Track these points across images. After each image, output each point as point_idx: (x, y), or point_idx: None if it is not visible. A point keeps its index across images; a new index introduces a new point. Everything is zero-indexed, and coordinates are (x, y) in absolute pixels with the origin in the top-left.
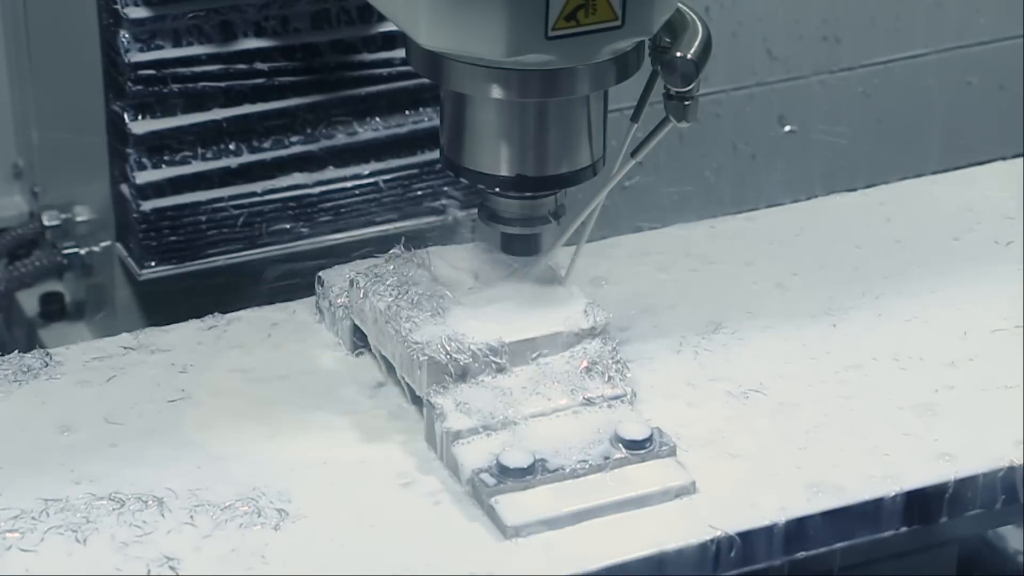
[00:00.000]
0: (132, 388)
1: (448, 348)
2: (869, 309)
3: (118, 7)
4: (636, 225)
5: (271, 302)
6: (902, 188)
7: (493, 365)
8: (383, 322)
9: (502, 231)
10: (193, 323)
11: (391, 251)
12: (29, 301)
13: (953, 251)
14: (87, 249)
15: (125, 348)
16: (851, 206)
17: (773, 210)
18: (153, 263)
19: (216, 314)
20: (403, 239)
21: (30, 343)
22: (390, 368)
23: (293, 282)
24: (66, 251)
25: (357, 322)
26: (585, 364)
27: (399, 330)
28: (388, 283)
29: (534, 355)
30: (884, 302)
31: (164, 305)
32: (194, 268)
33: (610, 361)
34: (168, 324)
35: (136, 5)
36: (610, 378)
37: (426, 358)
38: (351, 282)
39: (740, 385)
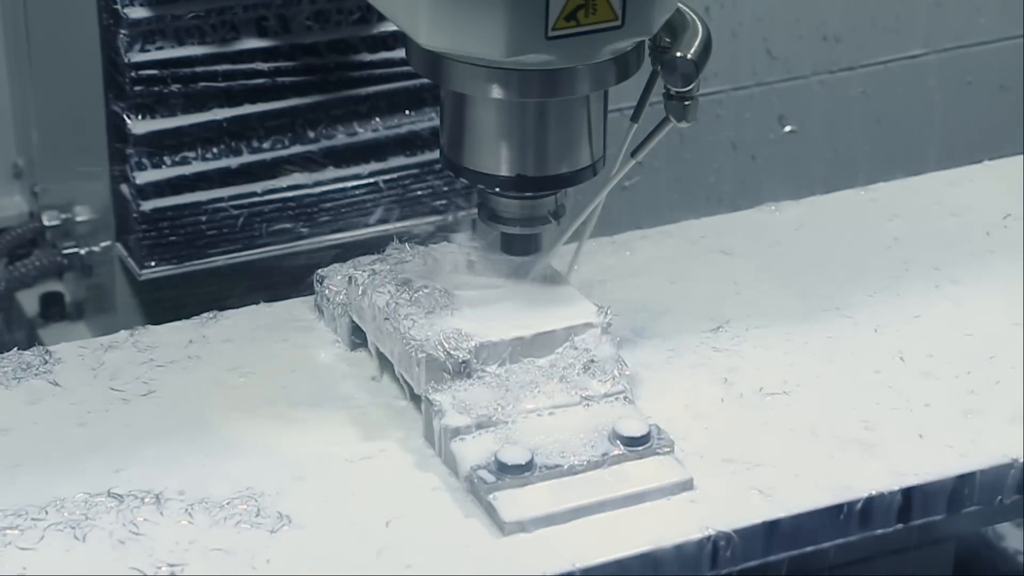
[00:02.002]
0: (129, 385)
1: (446, 345)
2: (871, 307)
3: (118, 7)
4: (637, 226)
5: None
6: (904, 185)
7: (491, 362)
8: (382, 319)
9: (502, 231)
10: (190, 320)
11: (389, 247)
12: (29, 301)
13: (959, 248)
14: (87, 249)
15: (122, 345)
16: (850, 203)
17: (770, 207)
18: (153, 263)
19: (214, 311)
20: (394, 237)
21: (30, 343)
22: (386, 364)
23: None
24: (66, 251)
25: (356, 319)
26: (583, 361)
27: (398, 327)
28: (387, 280)
29: (532, 352)
30: (886, 300)
31: (164, 305)
32: (194, 268)
33: (608, 358)
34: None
35: (136, 5)
36: (609, 375)
37: (424, 355)
38: (350, 279)
39: (740, 383)
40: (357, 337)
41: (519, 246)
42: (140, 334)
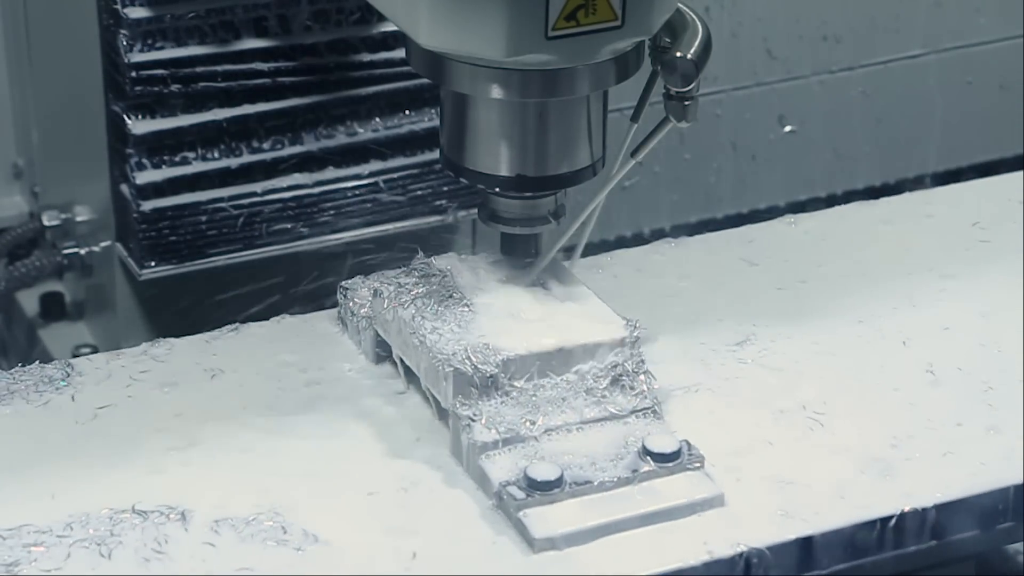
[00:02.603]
0: (150, 400)
1: (474, 359)
2: (896, 320)
3: (118, 7)
4: (636, 226)
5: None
6: (925, 196)
7: (519, 376)
8: (408, 333)
9: (502, 231)
10: (211, 333)
11: (415, 261)
12: (29, 301)
13: (984, 259)
14: (87, 249)
15: (143, 358)
16: (866, 214)
17: (788, 219)
18: (153, 263)
19: (236, 324)
20: (419, 251)
21: (30, 343)
22: (412, 378)
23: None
24: (66, 251)
25: (380, 332)
26: (611, 376)
27: (424, 341)
28: (413, 293)
29: (560, 366)
30: (912, 313)
31: (164, 305)
32: (194, 268)
33: (637, 372)
34: (167, 325)
35: (136, 5)
36: (637, 390)
37: (452, 369)
38: (375, 292)
39: (769, 397)
40: (382, 350)
41: (519, 246)
42: (160, 347)
